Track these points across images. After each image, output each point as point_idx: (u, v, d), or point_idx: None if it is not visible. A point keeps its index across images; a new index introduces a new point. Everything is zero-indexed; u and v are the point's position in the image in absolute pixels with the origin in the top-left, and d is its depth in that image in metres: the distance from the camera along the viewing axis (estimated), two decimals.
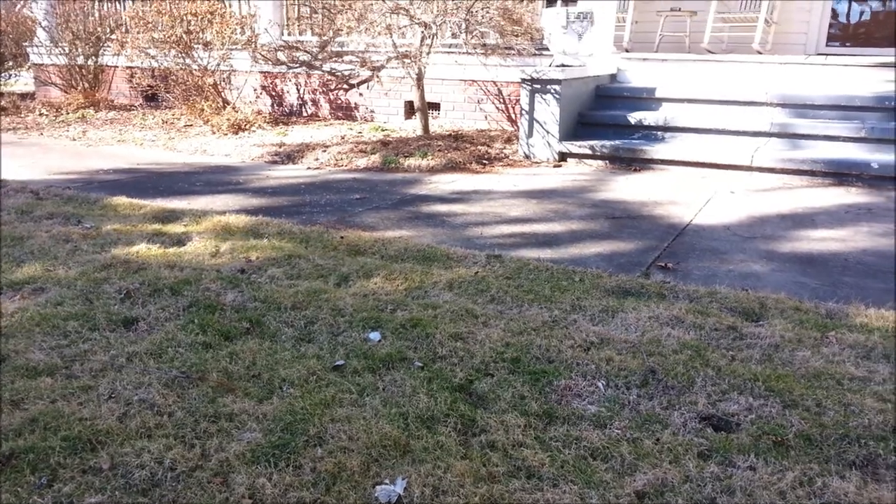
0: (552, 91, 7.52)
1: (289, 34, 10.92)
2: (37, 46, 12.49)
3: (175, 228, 4.88)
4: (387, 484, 2.12)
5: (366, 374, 2.79)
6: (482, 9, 8.08)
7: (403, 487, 2.09)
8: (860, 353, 2.94)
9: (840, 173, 6.45)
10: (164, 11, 9.67)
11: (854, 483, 2.09)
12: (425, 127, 9.01)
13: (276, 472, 2.17)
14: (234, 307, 3.44)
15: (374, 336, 3.15)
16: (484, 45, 8.60)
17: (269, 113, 11.04)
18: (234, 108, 10.27)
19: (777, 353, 2.96)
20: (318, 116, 11.00)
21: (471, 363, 2.88)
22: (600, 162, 7.51)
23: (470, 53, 8.82)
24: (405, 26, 8.51)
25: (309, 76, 10.63)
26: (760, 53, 8.48)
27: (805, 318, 3.30)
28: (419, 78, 8.64)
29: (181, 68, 9.97)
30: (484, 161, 7.73)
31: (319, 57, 8.77)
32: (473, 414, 2.50)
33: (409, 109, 10.08)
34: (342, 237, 4.70)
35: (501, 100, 9.58)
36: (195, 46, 9.73)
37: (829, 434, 2.34)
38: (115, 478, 2.13)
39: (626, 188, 6.45)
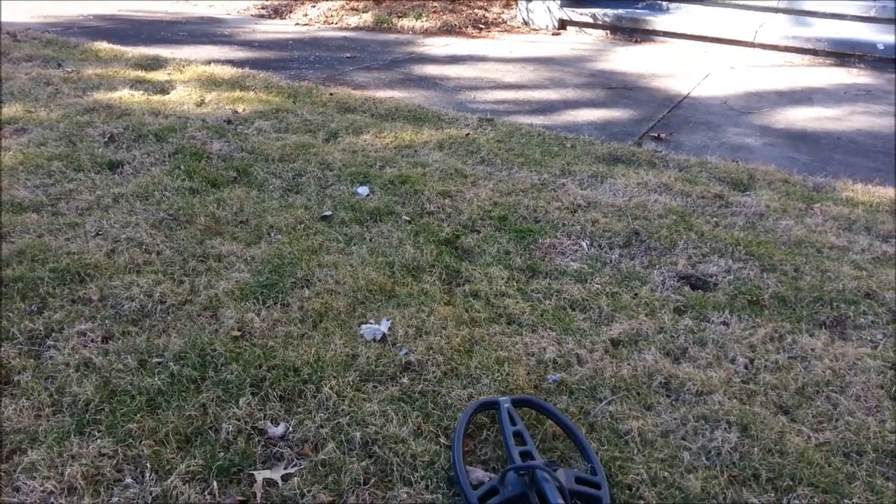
0: None
1: None
2: None
3: (158, 76, 4.72)
4: (372, 323, 2.17)
5: (353, 226, 2.80)
6: None
7: (388, 327, 2.15)
8: (843, 225, 2.98)
9: (843, 53, 6.28)
10: None
11: (822, 340, 2.17)
12: None
13: (265, 308, 2.21)
14: (220, 156, 3.39)
15: (363, 190, 3.14)
16: None
17: None
18: None
19: (761, 221, 2.99)
20: None
21: (458, 219, 2.90)
22: (601, 31, 7.25)
23: None
24: None
25: None
26: None
27: (792, 190, 3.32)
28: None
29: None
30: (480, 25, 7.45)
31: None
32: (458, 266, 2.54)
33: None
34: (331, 94, 4.58)
35: None
36: None
37: (804, 297, 2.41)
38: (104, 308, 2.17)
39: (626, 59, 6.27)
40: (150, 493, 1.53)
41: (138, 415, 1.74)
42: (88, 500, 1.50)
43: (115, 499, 1.51)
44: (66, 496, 1.51)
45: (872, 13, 6.40)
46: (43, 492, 1.51)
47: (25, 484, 1.53)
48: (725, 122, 4.49)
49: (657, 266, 2.59)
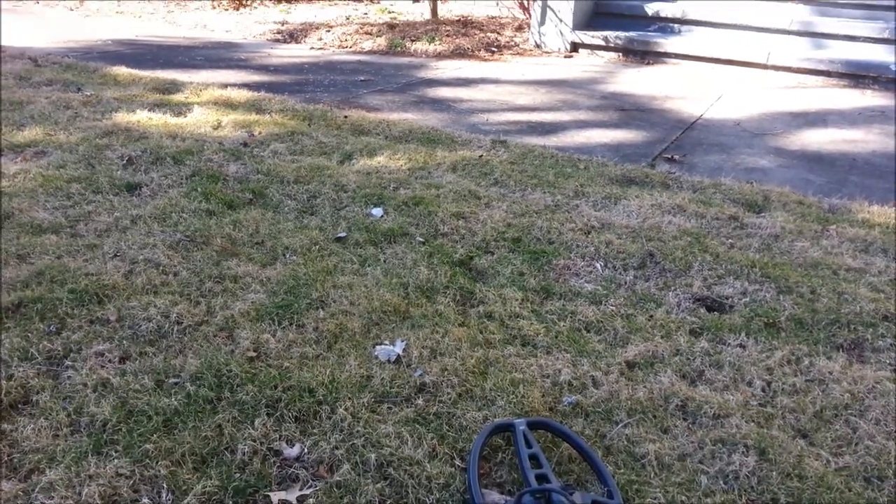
0: None
1: None
2: None
3: (176, 99, 4.79)
4: (387, 344, 2.18)
5: (368, 247, 2.82)
6: None
7: (403, 348, 2.16)
8: (859, 247, 2.96)
9: (857, 75, 6.28)
10: None
11: (840, 363, 2.15)
12: (434, 11, 8.69)
13: (280, 329, 2.23)
14: (236, 178, 3.43)
15: (377, 212, 3.16)
16: None
17: None
18: None
19: (776, 242, 2.98)
20: None
21: (472, 241, 2.91)
22: (613, 54, 7.30)
23: None
24: None
25: None
26: None
27: (807, 212, 3.31)
28: None
29: None
30: (493, 49, 7.51)
31: None
32: (472, 287, 2.55)
33: None
34: (346, 117, 4.63)
35: None
36: None
37: (821, 319, 2.40)
38: (122, 328, 2.19)
39: (638, 81, 6.30)
40: None
41: (155, 435, 1.75)
42: None
43: None
44: None
45: (886, 34, 6.41)
46: None
47: None
48: (739, 144, 4.49)
49: (672, 288, 2.59)
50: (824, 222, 3.20)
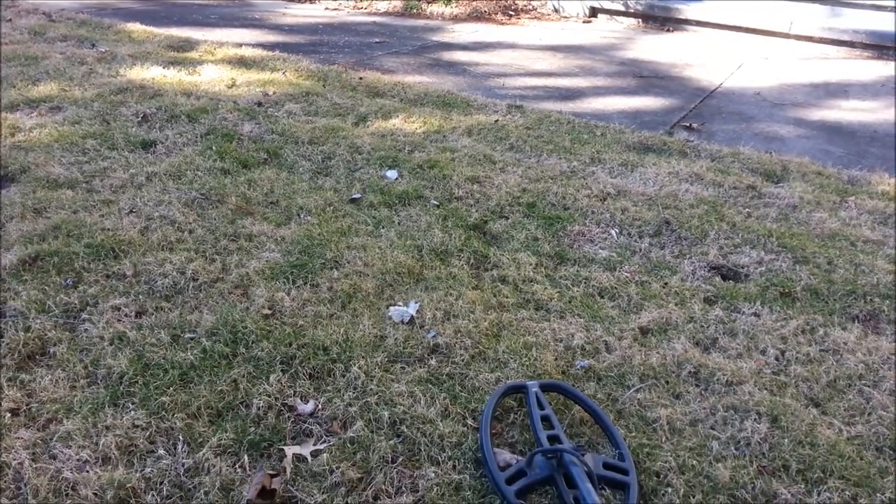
0: None
1: None
2: None
3: (191, 57, 4.75)
4: (400, 305, 2.18)
5: (382, 209, 2.81)
6: None
7: (416, 309, 2.16)
8: (878, 219, 2.92)
9: (882, 45, 6.15)
10: None
11: (855, 334, 2.14)
12: None
13: (295, 288, 2.23)
14: (251, 138, 3.41)
15: (391, 174, 3.14)
16: None
17: None
18: None
19: (794, 213, 2.94)
20: None
21: (486, 205, 2.89)
22: (632, 20, 7.17)
23: None
24: None
25: None
26: None
27: (826, 183, 3.26)
28: None
29: None
30: (510, 12, 7.40)
31: None
32: (486, 251, 2.54)
33: None
34: (361, 78, 4.58)
35: None
36: None
37: (837, 290, 2.38)
38: (138, 283, 2.20)
39: (657, 48, 6.20)
40: (183, 465, 1.55)
41: (171, 388, 1.77)
42: (122, 469, 1.53)
43: (148, 469, 1.54)
44: (101, 465, 1.54)
45: None
46: (78, 460, 1.55)
47: (62, 452, 1.57)
48: (759, 114, 4.42)
49: (688, 256, 2.57)
50: (843, 193, 3.16)
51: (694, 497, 1.53)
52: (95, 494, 1.46)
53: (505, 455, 1.64)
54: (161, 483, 1.50)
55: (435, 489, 1.54)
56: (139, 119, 3.52)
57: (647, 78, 5.15)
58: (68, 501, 1.44)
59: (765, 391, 1.88)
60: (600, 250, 2.60)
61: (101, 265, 2.28)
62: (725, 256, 2.57)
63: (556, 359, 1.98)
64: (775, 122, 4.26)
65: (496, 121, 3.88)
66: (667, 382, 1.91)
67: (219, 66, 4.57)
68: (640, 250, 2.61)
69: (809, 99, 4.80)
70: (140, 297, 2.14)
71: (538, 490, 1.56)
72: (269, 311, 2.11)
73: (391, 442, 1.66)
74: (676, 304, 2.26)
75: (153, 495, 1.47)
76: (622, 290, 2.34)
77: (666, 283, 2.39)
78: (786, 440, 1.71)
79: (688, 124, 4.13)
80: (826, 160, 3.61)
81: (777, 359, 2.02)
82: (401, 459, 1.61)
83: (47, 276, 2.20)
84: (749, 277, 2.46)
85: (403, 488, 1.55)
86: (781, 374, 1.96)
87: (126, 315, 2.05)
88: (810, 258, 2.57)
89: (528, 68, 5.29)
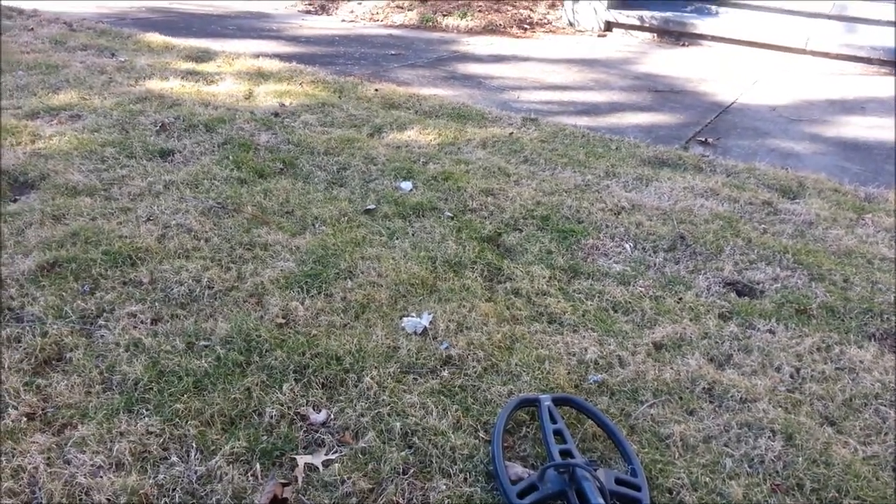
0: None
1: None
2: None
3: (208, 68, 4.81)
4: (413, 316, 2.19)
5: (396, 220, 2.82)
6: None
7: (429, 321, 2.16)
8: (895, 237, 2.90)
9: None
10: None
11: (871, 352, 2.12)
12: None
13: (309, 297, 2.24)
14: (267, 148, 3.44)
15: (406, 185, 3.16)
16: None
17: None
18: None
19: (810, 229, 2.93)
20: None
21: (500, 217, 2.90)
22: (648, 34, 7.18)
23: None
24: None
25: None
26: None
27: (843, 200, 3.25)
28: None
29: None
30: (525, 26, 7.43)
31: None
32: (500, 263, 2.54)
33: None
34: (376, 90, 4.61)
35: None
36: None
37: (853, 308, 2.36)
38: (154, 291, 2.22)
39: (673, 62, 6.20)
40: (195, 472, 1.56)
41: (185, 395, 1.78)
42: (135, 476, 1.53)
43: (161, 476, 1.55)
44: (115, 471, 1.55)
45: None
46: (92, 465, 1.56)
47: (76, 457, 1.58)
48: (775, 129, 4.41)
49: (702, 271, 2.56)
50: (860, 211, 3.14)
51: None
52: (109, 500, 1.47)
53: (517, 469, 1.64)
54: (173, 490, 1.51)
55: (446, 501, 1.53)
56: (157, 128, 3.56)
57: (663, 92, 5.15)
58: None
59: (779, 409, 1.86)
60: (614, 264, 2.60)
61: (118, 272, 2.30)
62: (741, 272, 2.56)
63: (568, 372, 1.98)
64: (791, 138, 4.25)
65: (511, 133, 3.89)
66: (680, 398, 1.90)
67: (237, 76, 4.62)
68: (655, 265, 2.60)
69: (826, 115, 4.78)
70: (156, 304, 2.16)
71: None
72: (283, 321, 2.12)
73: (403, 453, 1.66)
74: (691, 320, 2.25)
75: (165, 502, 1.48)
76: (636, 304, 2.33)
77: (680, 299, 2.38)
78: (800, 459, 1.69)
79: (703, 139, 4.12)
80: (843, 177, 3.59)
81: (792, 376, 2.01)
82: (412, 471, 1.61)
83: (65, 282, 2.23)
84: (764, 294, 2.44)
85: (414, 500, 1.54)
86: (796, 391, 1.95)
87: (142, 322, 2.06)
88: (826, 275, 2.55)
89: (544, 81, 5.31)
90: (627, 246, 2.73)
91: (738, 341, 2.16)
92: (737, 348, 2.13)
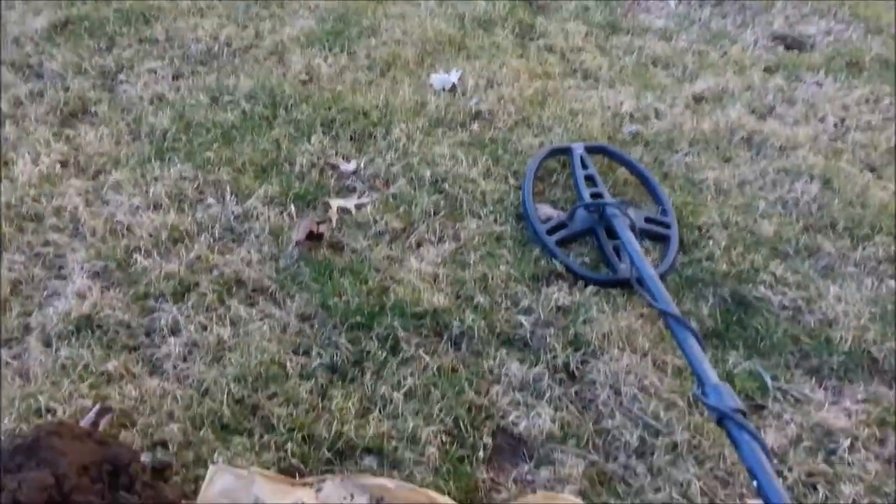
0: None
1: None
2: None
3: None
4: (442, 73, 2.10)
5: None
6: None
7: (458, 77, 2.08)
8: None
9: None
10: None
11: None
12: None
13: (331, 55, 2.15)
14: None
15: None
16: None
17: None
18: None
19: None
20: None
21: None
22: None
23: None
24: None
25: None
26: None
27: None
28: None
29: None
30: None
31: None
32: (533, 20, 2.39)
33: None
34: None
35: None
36: None
37: None
38: (171, 48, 2.15)
39: None
40: (232, 212, 1.59)
41: (214, 145, 1.77)
42: (174, 214, 1.57)
43: (199, 215, 1.58)
44: (153, 210, 1.58)
45: None
46: (130, 206, 1.59)
47: (114, 199, 1.61)
48: None
49: (750, 25, 2.39)
50: None
51: (735, 249, 1.53)
52: (150, 234, 1.51)
53: (546, 209, 1.64)
54: (213, 227, 1.55)
55: (476, 238, 1.56)
56: None
57: None
58: (125, 241, 1.50)
59: (819, 156, 1.81)
60: (656, 20, 2.43)
61: (132, 30, 2.21)
62: (791, 26, 2.39)
63: (602, 125, 1.92)
64: None
65: None
66: (717, 147, 1.84)
67: None
68: (700, 20, 2.43)
69: None
70: (175, 60, 2.09)
71: (578, 241, 1.57)
72: (306, 77, 2.05)
73: (433, 197, 1.66)
74: (734, 73, 2.14)
75: (206, 236, 1.52)
76: (678, 59, 2.21)
77: (725, 53, 2.24)
78: (836, 201, 1.66)
79: None
80: None
81: (836, 126, 1.93)
82: (443, 213, 1.62)
83: (80, 40, 2.15)
84: (815, 47, 2.29)
85: (445, 237, 1.57)
86: (839, 140, 1.88)
87: (163, 77, 2.01)
88: (884, 28, 2.37)
89: None
90: (672, 1, 2.53)
91: (783, 93, 2.06)
92: (780, 100, 2.03)
